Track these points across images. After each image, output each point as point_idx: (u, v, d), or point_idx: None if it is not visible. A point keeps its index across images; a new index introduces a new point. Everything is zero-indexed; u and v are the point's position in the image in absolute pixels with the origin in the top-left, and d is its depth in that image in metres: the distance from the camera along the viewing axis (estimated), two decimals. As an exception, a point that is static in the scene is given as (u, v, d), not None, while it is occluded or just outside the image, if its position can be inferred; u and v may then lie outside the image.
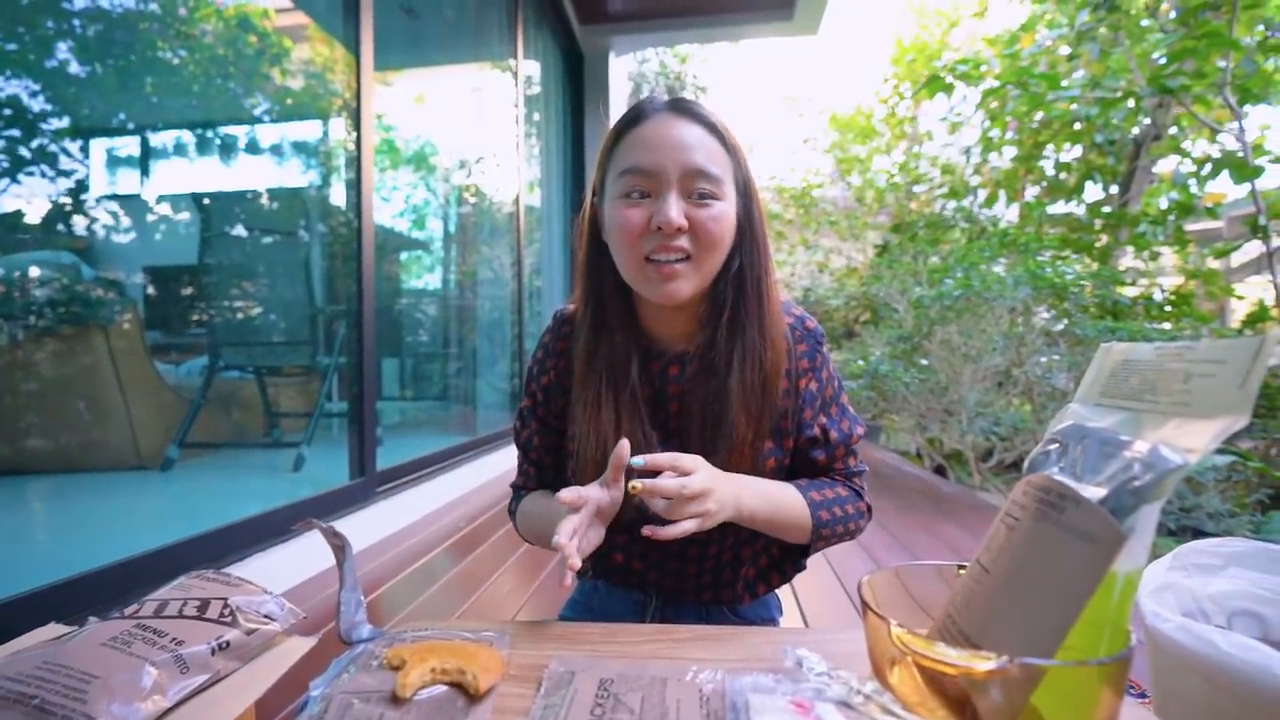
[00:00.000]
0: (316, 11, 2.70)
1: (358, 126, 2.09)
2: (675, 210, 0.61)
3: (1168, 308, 3.45)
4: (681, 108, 0.65)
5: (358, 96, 2.09)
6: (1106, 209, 4.36)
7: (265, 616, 0.62)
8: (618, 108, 5.08)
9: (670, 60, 7.12)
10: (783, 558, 0.75)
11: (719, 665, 0.42)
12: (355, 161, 2.10)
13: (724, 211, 0.64)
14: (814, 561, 1.97)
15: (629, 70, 6.54)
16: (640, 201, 0.63)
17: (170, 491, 1.99)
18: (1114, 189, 4.44)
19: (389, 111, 3.20)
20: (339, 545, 0.48)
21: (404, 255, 3.95)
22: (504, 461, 3.17)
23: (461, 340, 3.83)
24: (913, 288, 3.79)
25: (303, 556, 1.63)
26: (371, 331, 2.09)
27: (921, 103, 5.91)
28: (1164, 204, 4.04)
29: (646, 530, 0.57)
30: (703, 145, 0.64)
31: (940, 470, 4.13)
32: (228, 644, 0.56)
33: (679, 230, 0.62)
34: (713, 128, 0.65)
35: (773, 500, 0.65)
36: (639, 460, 0.58)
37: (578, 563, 0.54)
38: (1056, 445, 0.39)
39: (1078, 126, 4.35)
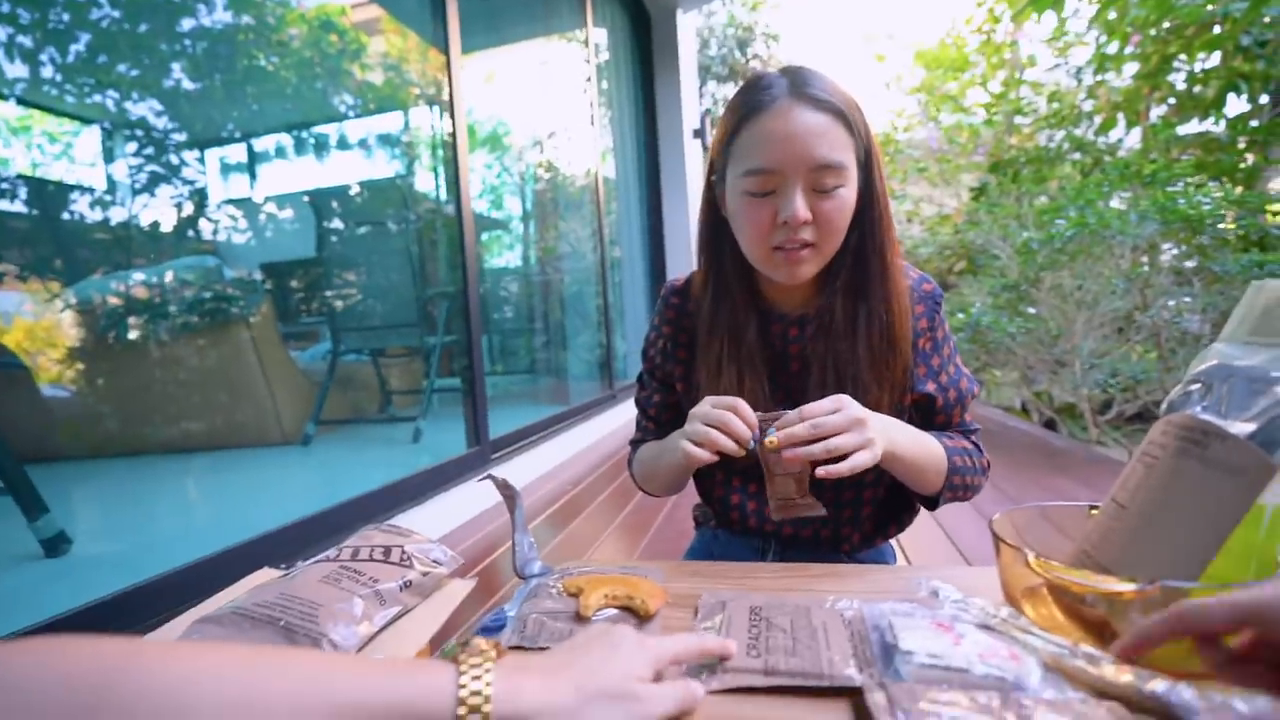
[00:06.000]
0: (399, 8, 2.81)
1: (452, 114, 2.20)
2: (802, 207, 0.62)
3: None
4: (803, 94, 0.63)
5: (450, 86, 2.19)
6: (1254, 123, 3.80)
7: (434, 561, 0.72)
8: (687, 66, 4.96)
9: (739, 10, 6.84)
10: (900, 508, 0.77)
11: (854, 596, 0.46)
12: (452, 149, 2.21)
13: (846, 199, 0.65)
14: (922, 520, 1.94)
15: (696, 25, 6.35)
16: (765, 199, 0.64)
17: (313, 463, 2.24)
18: (1264, 98, 3.86)
19: (474, 95, 3.31)
20: (510, 495, 0.56)
21: (496, 234, 4.11)
22: (599, 429, 3.30)
23: (547, 314, 3.96)
24: (1017, 232, 3.51)
25: (434, 519, 1.81)
26: (478, 311, 2.23)
27: (1023, 24, 5.35)
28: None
29: (821, 471, 0.56)
30: (826, 134, 0.62)
31: (1050, 425, 3.88)
32: (410, 583, 0.66)
33: (804, 224, 0.63)
34: (835, 110, 0.63)
35: (917, 439, 0.66)
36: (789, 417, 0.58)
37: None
38: (1199, 385, 0.39)
39: (1218, 29, 3.79)
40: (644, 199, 4.71)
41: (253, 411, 2.21)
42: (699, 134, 4.89)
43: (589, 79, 3.81)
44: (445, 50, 2.19)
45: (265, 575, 0.77)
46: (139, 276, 1.87)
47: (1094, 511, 0.44)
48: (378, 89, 2.93)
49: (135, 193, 1.90)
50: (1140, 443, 0.40)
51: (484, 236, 4.05)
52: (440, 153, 2.47)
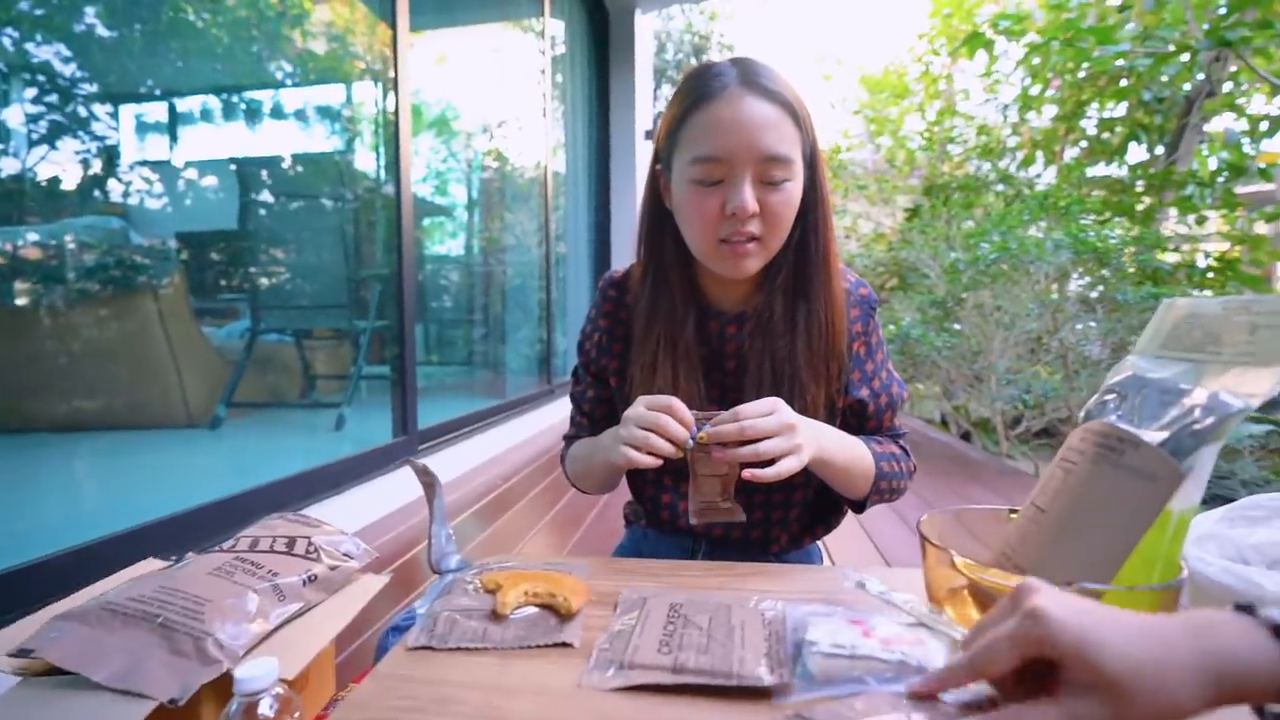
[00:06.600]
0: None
1: (396, 93, 2.10)
2: (750, 198, 0.61)
3: (1210, 274, 3.34)
4: (753, 84, 0.62)
5: (395, 63, 2.09)
6: (1151, 170, 4.19)
7: (345, 554, 0.67)
8: (643, 67, 4.97)
9: (697, 18, 6.92)
10: (827, 510, 0.78)
11: (779, 596, 0.45)
12: (394, 128, 2.11)
13: (793, 193, 0.64)
14: (844, 521, 2.01)
15: (654, 28, 6.37)
16: (713, 188, 0.63)
17: (222, 448, 2.09)
18: (1160, 149, 4.26)
19: (422, 75, 3.18)
20: (429, 483, 0.52)
21: (438, 221, 3.97)
22: (535, 424, 3.25)
23: (487, 306, 3.87)
24: (946, 253, 3.72)
25: (353, 510, 1.72)
26: (412, 297, 2.14)
27: (958, 60, 5.67)
28: (1214, 164, 3.86)
29: (748, 474, 0.55)
30: (775, 126, 0.62)
31: (966, 437, 4.11)
32: (315, 577, 0.61)
33: (752, 215, 0.62)
34: (784, 103, 0.63)
35: (846, 445, 0.66)
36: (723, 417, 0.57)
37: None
38: (1114, 395, 0.40)
39: (1124, 82, 4.15)
40: (593, 197, 4.68)
41: (156, 390, 2.04)
42: (651, 135, 4.91)
43: (543, 71, 3.74)
44: (393, 25, 2.10)
45: (149, 566, 0.70)
46: (32, 236, 1.69)
47: (1013, 515, 0.45)
48: (319, 58, 2.76)
49: (31, 143, 1.72)
50: (1047, 456, 0.41)
51: (425, 222, 3.90)
52: (382, 132, 2.36)
